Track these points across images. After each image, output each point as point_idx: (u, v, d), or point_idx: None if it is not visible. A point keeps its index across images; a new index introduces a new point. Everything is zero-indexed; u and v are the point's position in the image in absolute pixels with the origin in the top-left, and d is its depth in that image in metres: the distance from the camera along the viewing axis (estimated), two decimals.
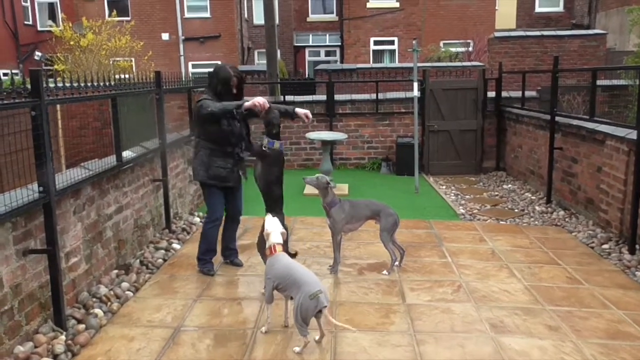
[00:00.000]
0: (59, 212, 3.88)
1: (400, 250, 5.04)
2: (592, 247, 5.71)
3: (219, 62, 19.19)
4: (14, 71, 21.18)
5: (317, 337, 3.65)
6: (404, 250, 5.08)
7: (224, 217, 5.00)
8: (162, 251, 5.50)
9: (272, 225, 3.99)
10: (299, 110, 4.94)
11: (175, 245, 5.73)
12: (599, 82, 7.46)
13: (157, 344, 3.69)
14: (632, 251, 5.33)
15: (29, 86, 3.51)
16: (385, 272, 4.95)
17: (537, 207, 7.41)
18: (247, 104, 4.45)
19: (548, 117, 7.55)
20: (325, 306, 3.45)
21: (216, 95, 4.67)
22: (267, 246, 3.94)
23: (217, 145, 4.70)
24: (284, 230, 4.07)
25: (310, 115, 4.97)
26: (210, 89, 4.76)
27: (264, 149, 4.60)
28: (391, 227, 4.96)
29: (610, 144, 6.00)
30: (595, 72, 6.83)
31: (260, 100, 4.46)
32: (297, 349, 3.57)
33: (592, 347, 3.65)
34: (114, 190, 4.91)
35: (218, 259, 5.13)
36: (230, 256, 5.19)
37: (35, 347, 3.49)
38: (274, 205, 4.66)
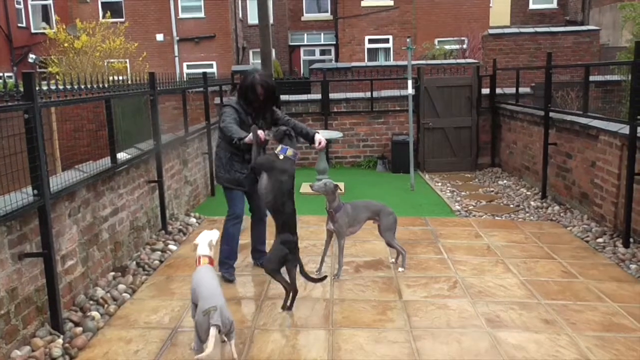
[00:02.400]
0: (54, 215, 3.88)
1: (402, 252, 5.05)
2: (587, 241, 5.74)
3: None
4: (7, 74, 21.11)
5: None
6: (405, 251, 5.08)
7: (250, 219, 5.00)
8: (159, 252, 5.51)
9: (201, 238, 3.78)
10: (318, 136, 4.73)
11: (172, 247, 5.73)
12: (592, 78, 7.50)
13: (154, 346, 3.69)
14: (626, 244, 5.36)
15: (21, 89, 3.51)
16: (400, 268, 4.97)
17: (532, 203, 7.43)
18: (246, 139, 4.24)
19: (542, 113, 7.58)
20: (216, 325, 3.16)
21: (244, 100, 4.56)
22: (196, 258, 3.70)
23: (237, 150, 4.55)
24: (213, 241, 3.77)
25: (323, 144, 4.74)
26: (239, 93, 4.62)
27: (277, 155, 4.19)
28: (393, 225, 4.98)
29: (603, 138, 6.03)
30: (588, 68, 6.85)
31: (260, 135, 4.27)
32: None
33: (587, 339, 3.68)
34: (109, 192, 4.91)
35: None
36: (260, 258, 5.08)
37: (33, 351, 3.49)
38: (286, 225, 4.16)
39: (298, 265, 4.23)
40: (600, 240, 5.67)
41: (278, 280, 4.16)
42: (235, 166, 4.69)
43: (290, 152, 4.21)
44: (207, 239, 3.75)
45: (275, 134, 4.35)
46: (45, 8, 23.57)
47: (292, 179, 4.23)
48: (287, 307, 4.16)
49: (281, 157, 4.18)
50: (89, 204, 4.52)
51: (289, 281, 4.17)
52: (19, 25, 22.99)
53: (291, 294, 4.18)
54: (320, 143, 4.70)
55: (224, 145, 4.68)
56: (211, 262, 3.69)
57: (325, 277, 4.57)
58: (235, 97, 4.69)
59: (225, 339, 3.43)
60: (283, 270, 4.20)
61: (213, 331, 3.15)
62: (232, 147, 4.51)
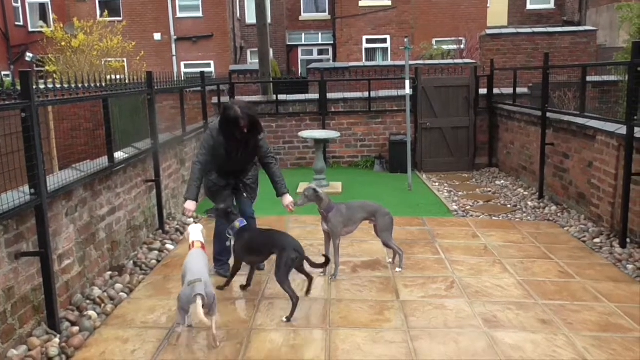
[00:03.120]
0: (51, 214, 3.87)
1: (399, 252, 5.05)
2: (584, 242, 5.75)
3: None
4: (4, 73, 21.06)
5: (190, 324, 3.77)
6: (402, 251, 5.08)
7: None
8: (156, 252, 5.50)
9: (193, 228, 4.17)
10: (287, 198, 4.76)
11: (169, 246, 5.73)
12: (589, 78, 7.51)
13: (151, 345, 3.69)
14: (623, 245, 5.37)
15: (19, 87, 3.50)
16: (398, 269, 4.98)
17: (529, 203, 7.45)
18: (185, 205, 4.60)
19: (539, 113, 7.59)
20: (200, 294, 3.45)
21: (223, 132, 4.49)
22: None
23: (216, 170, 4.69)
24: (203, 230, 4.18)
25: (292, 209, 4.78)
26: (219, 125, 4.53)
27: (228, 236, 4.43)
28: (390, 226, 4.99)
29: (600, 139, 6.04)
30: (585, 69, 6.87)
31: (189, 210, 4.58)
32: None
33: (584, 339, 3.68)
34: (106, 192, 4.90)
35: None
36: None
37: (29, 350, 3.49)
38: (284, 247, 4.21)
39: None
40: (597, 240, 5.68)
41: (286, 291, 4.07)
42: (211, 176, 4.73)
43: (237, 224, 4.38)
44: (199, 227, 4.16)
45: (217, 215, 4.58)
46: (42, 6, 23.54)
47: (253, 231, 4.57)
48: (288, 319, 4.05)
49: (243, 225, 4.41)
50: (86, 203, 4.51)
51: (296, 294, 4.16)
52: (17, 23, 22.96)
53: (294, 305, 4.10)
54: (288, 207, 4.78)
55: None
56: (203, 247, 4.02)
57: (328, 259, 4.58)
58: (216, 123, 4.60)
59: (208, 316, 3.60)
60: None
61: (198, 300, 3.44)
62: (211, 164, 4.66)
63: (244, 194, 4.86)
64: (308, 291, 4.41)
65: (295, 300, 4.04)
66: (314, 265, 4.38)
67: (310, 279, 4.40)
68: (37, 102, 3.57)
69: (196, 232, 4.11)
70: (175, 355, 3.57)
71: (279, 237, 4.33)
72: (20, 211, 3.47)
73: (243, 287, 4.58)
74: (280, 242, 4.24)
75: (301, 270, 4.32)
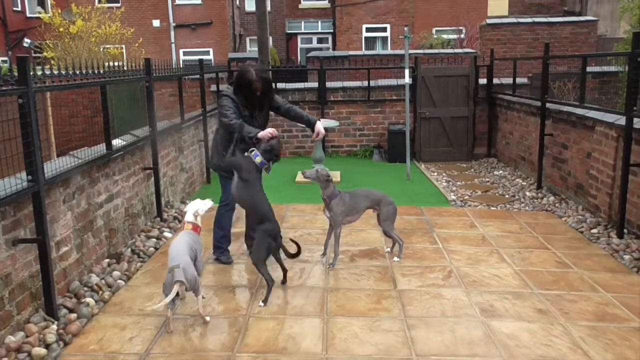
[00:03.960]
0: (48, 201, 3.86)
1: (399, 241, 5.05)
2: (582, 232, 5.76)
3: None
4: (2, 58, 20.94)
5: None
6: (403, 241, 5.08)
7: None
8: (154, 240, 5.50)
9: (190, 206, 4.16)
10: (318, 124, 4.77)
11: (167, 234, 5.73)
12: (589, 69, 7.48)
13: (149, 332, 3.70)
14: (620, 235, 5.38)
15: (16, 73, 3.47)
16: (396, 258, 4.98)
17: (527, 193, 7.45)
18: (260, 133, 4.31)
19: (539, 103, 7.57)
20: (179, 280, 3.54)
21: (242, 96, 4.54)
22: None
23: (232, 136, 4.56)
24: (200, 210, 4.10)
25: (322, 134, 4.78)
26: (234, 89, 4.58)
27: (254, 160, 4.28)
28: (392, 215, 4.98)
29: (599, 129, 6.03)
30: (585, 59, 6.84)
31: (271, 133, 4.34)
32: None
33: (580, 329, 3.70)
34: (104, 179, 4.89)
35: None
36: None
37: (27, 336, 3.49)
38: (265, 216, 4.24)
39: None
40: (594, 230, 5.70)
41: (262, 274, 4.15)
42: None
43: (259, 159, 4.28)
44: (194, 209, 4.11)
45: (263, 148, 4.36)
46: None
47: (259, 173, 4.39)
48: (264, 301, 4.10)
49: (257, 160, 4.27)
50: (83, 191, 4.50)
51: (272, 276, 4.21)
52: (14, 9, 22.79)
53: (269, 288, 4.15)
54: (318, 135, 4.76)
55: (222, 133, 4.69)
56: (194, 228, 4.04)
57: (299, 248, 4.52)
58: (232, 89, 4.65)
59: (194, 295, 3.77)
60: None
61: (176, 286, 3.54)
62: (230, 136, 4.50)
63: None
64: (284, 281, 4.44)
65: (271, 283, 4.12)
66: (288, 255, 4.39)
67: (284, 270, 4.43)
68: (35, 88, 3.55)
69: (190, 213, 4.09)
70: (173, 342, 3.58)
71: (267, 208, 4.31)
72: (17, 198, 3.46)
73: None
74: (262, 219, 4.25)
75: (277, 258, 4.36)
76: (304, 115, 4.90)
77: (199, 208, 4.13)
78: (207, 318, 3.83)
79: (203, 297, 3.91)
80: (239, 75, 4.59)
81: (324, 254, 5.04)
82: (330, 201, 4.80)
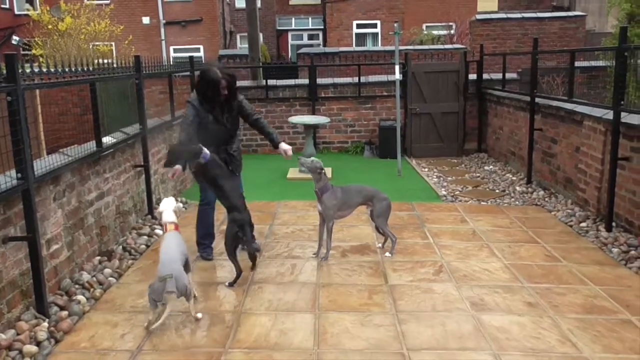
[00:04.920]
0: (38, 199, 3.85)
1: (392, 238, 5.07)
2: (571, 226, 5.81)
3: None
4: None
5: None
6: (396, 238, 5.10)
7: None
8: (145, 237, 5.50)
9: (165, 204, 4.11)
10: (283, 145, 4.82)
11: (158, 231, 5.71)
12: (577, 64, 7.54)
13: (140, 330, 3.70)
14: (608, 229, 5.44)
15: (4, 71, 3.46)
16: (388, 254, 4.99)
17: (517, 188, 7.50)
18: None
19: (528, 98, 7.62)
20: (171, 291, 3.55)
21: (205, 98, 4.49)
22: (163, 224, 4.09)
23: (205, 143, 4.58)
24: (177, 207, 4.13)
25: (290, 154, 4.83)
26: (198, 92, 4.51)
27: (205, 163, 4.34)
28: (386, 211, 4.99)
29: (588, 124, 6.08)
30: (573, 54, 6.88)
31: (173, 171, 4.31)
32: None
33: (569, 321, 3.74)
34: (94, 177, 4.88)
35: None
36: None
37: (18, 334, 3.48)
38: (233, 204, 4.32)
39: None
40: (583, 224, 5.75)
41: (232, 262, 4.32)
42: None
43: (202, 160, 4.29)
44: (172, 207, 4.07)
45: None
46: None
47: (217, 167, 4.41)
48: (230, 284, 4.33)
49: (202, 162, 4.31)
50: (74, 188, 4.49)
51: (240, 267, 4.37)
52: (2, 6, 22.59)
53: (237, 275, 4.35)
54: (286, 153, 4.82)
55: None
56: (177, 227, 4.01)
57: (257, 253, 4.66)
58: (194, 94, 4.57)
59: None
60: None
61: (168, 309, 3.62)
62: (204, 141, 4.49)
63: (229, 166, 4.80)
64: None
65: (238, 272, 4.30)
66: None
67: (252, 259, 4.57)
68: (23, 86, 3.53)
69: (168, 212, 4.04)
70: (164, 338, 3.59)
71: (235, 196, 4.38)
72: (7, 195, 3.45)
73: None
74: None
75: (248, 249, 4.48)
76: (271, 132, 4.88)
77: (175, 205, 4.13)
78: (199, 315, 3.84)
79: (195, 297, 3.90)
80: (202, 76, 4.48)
81: (318, 252, 5.01)
82: (322, 194, 4.82)
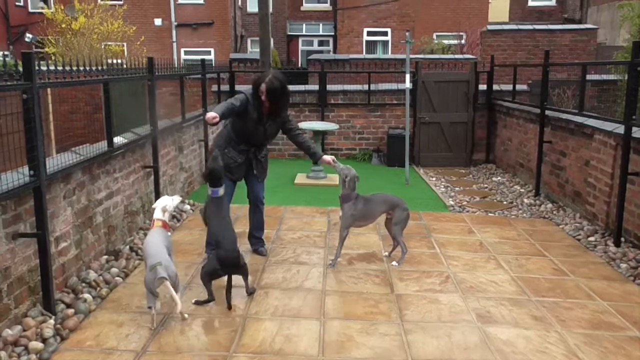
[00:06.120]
0: (49, 196, 3.87)
1: (404, 248, 5.05)
2: (579, 240, 5.78)
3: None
4: (3, 53, 20.92)
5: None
6: (407, 249, 5.07)
7: (248, 205, 5.15)
8: None
9: (158, 202, 4.19)
10: (325, 157, 4.87)
11: None
12: (588, 77, 7.52)
13: (146, 330, 3.70)
14: (617, 244, 5.41)
15: (20, 69, 3.48)
16: (394, 263, 4.98)
17: (525, 200, 7.48)
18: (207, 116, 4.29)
19: (538, 110, 7.60)
20: (163, 277, 3.57)
21: (254, 95, 4.61)
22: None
23: (237, 137, 4.73)
24: (168, 206, 4.14)
25: (335, 164, 4.84)
26: (252, 87, 4.66)
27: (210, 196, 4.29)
28: (404, 221, 5.00)
29: (598, 138, 6.06)
30: (585, 67, 6.87)
31: (209, 115, 4.26)
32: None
33: (576, 337, 3.72)
34: (104, 176, 4.90)
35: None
36: (255, 244, 5.21)
37: (24, 330, 3.50)
38: (218, 238, 4.14)
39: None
40: (591, 238, 5.72)
41: (206, 288, 4.07)
42: (230, 152, 4.73)
43: (221, 192, 4.28)
44: (162, 204, 4.13)
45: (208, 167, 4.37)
46: None
47: (221, 203, 4.33)
48: (198, 302, 4.10)
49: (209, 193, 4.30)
50: (84, 187, 4.51)
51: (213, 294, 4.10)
52: (17, 4, 22.78)
53: (207, 300, 4.10)
54: (330, 164, 4.86)
55: (229, 129, 4.79)
56: (164, 225, 4.08)
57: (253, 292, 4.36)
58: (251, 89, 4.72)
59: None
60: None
61: (166, 283, 3.59)
62: (234, 134, 4.65)
63: (254, 171, 4.90)
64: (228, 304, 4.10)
65: (210, 298, 4.05)
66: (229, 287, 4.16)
67: (229, 289, 4.13)
68: (39, 84, 3.56)
69: (158, 210, 4.11)
70: (169, 340, 3.59)
71: (223, 235, 4.16)
72: (19, 192, 3.47)
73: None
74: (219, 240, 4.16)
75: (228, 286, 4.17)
76: (310, 146, 4.96)
77: (167, 204, 4.16)
78: (186, 316, 3.86)
79: (185, 318, 3.85)
80: (256, 75, 4.69)
81: (335, 262, 4.95)
82: (344, 203, 4.82)
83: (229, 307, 4.03)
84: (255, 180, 4.99)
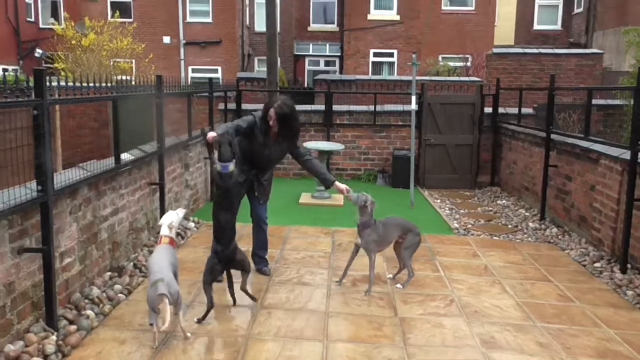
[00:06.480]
0: (55, 211, 3.87)
1: (411, 273, 5.02)
2: (584, 265, 5.74)
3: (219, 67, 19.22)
4: (13, 68, 21.17)
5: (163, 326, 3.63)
6: (414, 274, 5.04)
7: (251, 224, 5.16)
8: None
9: (164, 219, 4.18)
10: (338, 185, 4.84)
11: None
12: (594, 102, 7.53)
13: (148, 348, 3.68)
14: (623, 270, 5.36)
15: (31, 84, 3.52)
16: (399, 285, 4.95)
17: (530, 224, 7.45)
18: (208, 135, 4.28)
19: (544, 134, 7.61)
20: (162, 293, 3.54)
21: (263, 118, 4.66)
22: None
23: (243, 158, 4.71)
24: (174, 222, 4.12)
25: (349, 194, 4.78)
26: (263, 110, 4.72)
27: (219, 172, 4.15)
28: (415, 246, 4.99)
29: (604, 163, 6.06)
30: (590, 92, 6.89)
31: (209, 136, 4.25)
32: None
33: None
34: (110, 192, 4.91)
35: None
36: (258, 263, 5.19)
37: (26, 346, 3.48)
38: (217, 235, 4.17)
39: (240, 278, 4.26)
40: (597, 264, 5.68)
41: (205, 293, 4.09)
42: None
43: (232, 167, 4.15)
44: (169, 221, 4.13)
45: (220, 142, 4.22)
46: (54, 4, 23.66)
47: (226, 192, 4.21)
48: (199, 320, 4.08)
49: (218, 168, 4.16)
50: (90, 203, 4.52)
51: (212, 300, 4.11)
52: (28, 19, 23.09)
53: (207, 310, 4.10)
54: (344, 191, 4.81)
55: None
56: (171, 242, 4.08)
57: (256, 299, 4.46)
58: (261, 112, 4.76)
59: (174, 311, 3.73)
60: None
61: (165, 300, 3.54)
62: (242, 154, 4.61)
63: (255, 192, 4.91)
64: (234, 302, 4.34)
65: (209, 306, 4.06)
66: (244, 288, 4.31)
67: (232, 297, 4.34)
68: (49, 101, 3.60)
69: (164, 227, 4.12)
70: (171, 359, 3.56)
71: (222, 232, 4.19)
72: (26, 207, 3.48)
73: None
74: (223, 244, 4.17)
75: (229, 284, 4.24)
76: (322, 173, 4.95)
77: (172, 220, 4.16)
78: (189, 334, 3.83)
79: (187, 337, 3.84)
80: (268, 100, 4.73)
81: (341, 280, 4.96)
82: (363, 230, 4.78)
83: (234, 302, 4.13)
84: (257, 201, 5.01)
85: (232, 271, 4.32)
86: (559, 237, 6.80)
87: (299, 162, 4.96)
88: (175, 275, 3.91)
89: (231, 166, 4.14)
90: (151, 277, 3.72)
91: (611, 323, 4.34)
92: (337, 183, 4.85)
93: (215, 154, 4.20)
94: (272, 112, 4.58)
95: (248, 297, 4.39)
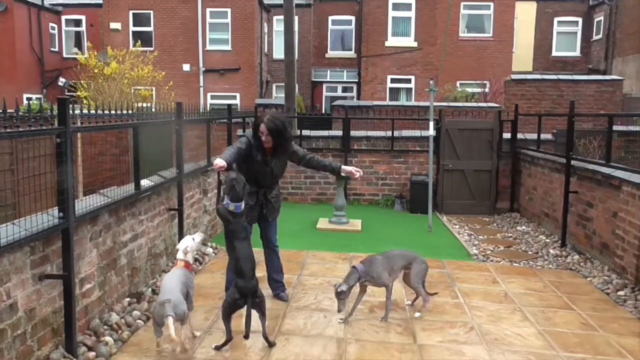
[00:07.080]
0: (76, 237, 3.93)
1: (426, 298, 4.98)
2: (608, 293, 5.62)
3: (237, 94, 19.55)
4: (37, 96, 21.71)
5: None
6: (429, 299, 5.00)
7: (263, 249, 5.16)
8: None
9: (181, 243, 4.34)
10: (345, 168, 4.94)
11: None
12: (615, 127, 7.46)
13: None
14: None
15: (54, 112, 3.61)
16: (417, 313, 4.90)
17: (551, 250, 7.33)
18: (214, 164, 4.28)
19: (564, 160, 7.54)
20: (168, 314, 3.67)
21: (254, 136, 4.72)
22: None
23: (247, 180, 4.65)
24: (189, 247, 4.24)
25: (357, 174, 4.90)
26: (252, 129, 4.80)
27: (231, 211, 4.19)
28: (424, 272, 4.97)
29: (626, 189, 5.97)
30: (612, 118, 6.84)
31: (216, 163, 4.22)
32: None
33: None
34: (130, 218, 4.96)
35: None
36: (275, 289, 5.18)
37: None
38: (239, 269, 4.09)
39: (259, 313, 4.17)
40: (621, 293, 5.56)
41: (225, 326, 4.07)
42: None
43: (232, 207, 4.19)
44: (184, 246, 4.28)
45: (225, 183, 4.29)
46: (78, 34, 24.36)
47: (239, 225, 4.23)
48: (218, 347, 4.07)
49: (230, 208, 4.22)
50: (110, 229, 4.57)
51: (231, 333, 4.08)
52: (52, 49, 23.79)
53: (226, 341, 4.08)
54: (353, 174, 4.87)
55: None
56: (186, 265, 4.22)
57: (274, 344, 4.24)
58: (251, 131, 4.84)
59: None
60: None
61: (170, 321, 3.67)
62: (246, 178, 4.53)
63: (264, 210, 4.90)
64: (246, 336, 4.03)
65: (228, 337, 4.05)
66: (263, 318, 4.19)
67: (247, 327, 4.03)
68: (72, 129, 3.67)
69: (180, 251, 4.26)
70: None
71: (244, 263, 4.13)
72: (47, 234, 3.54)
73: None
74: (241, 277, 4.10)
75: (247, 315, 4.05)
76: (326, 163, 5.03)
77: (189, 245, 4.29)
78: (187, 346, 4.03)
79: (186, 350, 3.99)
80: (256, 117, 4.75)
81: (345, 320, 4.74)
82: (379, 285, 4.78)
83: (246, 336, 3.95)
84: (266, 220, 5.00)
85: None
86: (581, 264, 6.68)
87: (302, 164, 5.00)
88: (189, 295, 4.05)
89: (242, 205, 4.26)
90: (160, 296, 3.91)
91: (636, 353, 4.23)
92: (343, 167, 4.97)
93: (222, 190, 4.32)
94: (262, 127, 4.61)
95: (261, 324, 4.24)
